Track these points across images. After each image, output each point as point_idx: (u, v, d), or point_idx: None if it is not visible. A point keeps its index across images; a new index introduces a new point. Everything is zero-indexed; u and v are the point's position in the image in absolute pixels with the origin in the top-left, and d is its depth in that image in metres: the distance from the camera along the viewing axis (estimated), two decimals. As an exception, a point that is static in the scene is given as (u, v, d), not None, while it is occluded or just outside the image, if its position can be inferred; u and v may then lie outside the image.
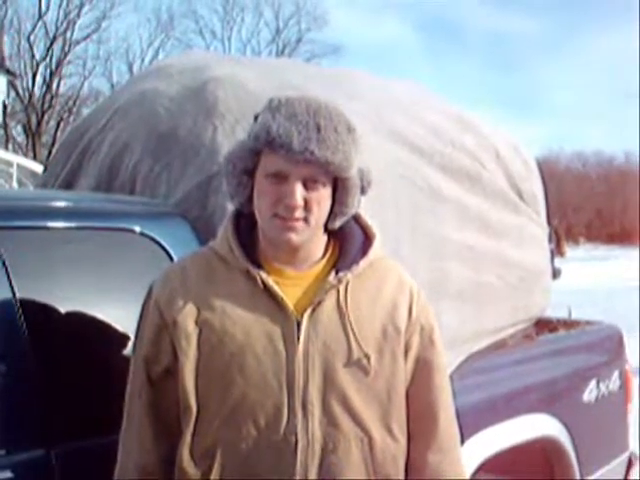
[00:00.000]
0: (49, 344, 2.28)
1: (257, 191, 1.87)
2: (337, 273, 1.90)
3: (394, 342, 1.92)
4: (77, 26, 37.43)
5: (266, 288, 1.86)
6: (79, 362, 2.32)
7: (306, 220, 1.83)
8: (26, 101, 35.12)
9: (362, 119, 3.41)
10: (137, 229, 2.55)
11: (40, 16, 36.46)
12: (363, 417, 1.87)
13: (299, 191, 1.79)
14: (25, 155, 31.39)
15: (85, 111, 35.83)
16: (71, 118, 36.54)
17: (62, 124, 36.27)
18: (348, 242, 1.98)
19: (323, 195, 1.84)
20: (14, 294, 2.21)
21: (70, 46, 36.95)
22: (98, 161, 3.35)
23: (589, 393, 3.87)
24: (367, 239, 2.02)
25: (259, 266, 1.89)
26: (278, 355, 1.82)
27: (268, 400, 1.81)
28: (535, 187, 4.22)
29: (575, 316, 4.57)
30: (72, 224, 2.46)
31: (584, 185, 52.53)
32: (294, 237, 1.83)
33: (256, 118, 1.91)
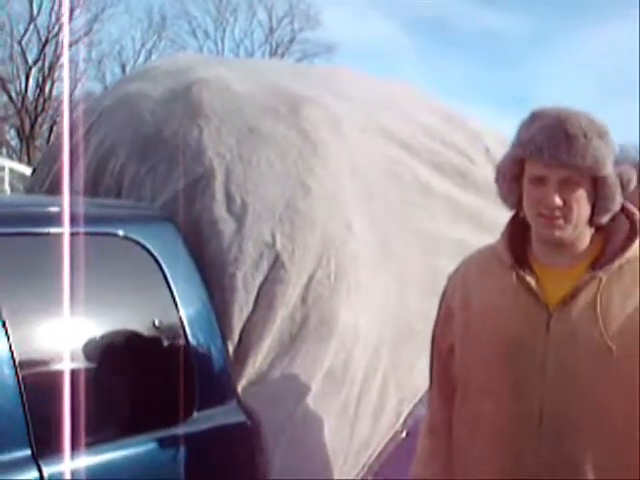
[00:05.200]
0: (32, 348, 2.28)
1: (524, 194, 2.07)
2: (593, 270, 2.02)
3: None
4: (69, 29, 37.25)
5: (527, 283, 2.05)
6: (62, 367, 2.31)
7: (565, 217, 1.98)
8: (19, 105, 34.99)
9: (349, 117, 3.41)
10: (120, 233, 2.52)
11: (32, 19, 36.34)
12: (607, 403, 1.97)
13: (556, 192, 1.97)
14: (19, 159, 31.24)
15: (79, 114, 35.60)
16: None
17: (55, 127, 36.14)
18: (611, 238, 2.07)
19: (580, 194, 1.99)
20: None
21: (62, 49, 36.79)
22: (84, 164, 3.32)
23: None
24: (630, 236, 2.07)
25: (525, 263, 2.09)
26: (532, 342, 2.02)
27: (523, 382, 2.02)
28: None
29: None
30: (56, 230, 2.44)
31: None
32: (557, 233, 2.00)
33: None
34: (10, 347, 2.19)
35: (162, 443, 2.45)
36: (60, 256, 2.38)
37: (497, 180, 2.17)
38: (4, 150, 33.91)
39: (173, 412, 2.49)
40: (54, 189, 3.49)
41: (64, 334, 2.38)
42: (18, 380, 2.18)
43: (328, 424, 2.79)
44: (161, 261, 2.59)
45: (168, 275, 2.60)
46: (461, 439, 2.18)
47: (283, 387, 2.78)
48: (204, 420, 2.58)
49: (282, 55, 38.33)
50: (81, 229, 2.47)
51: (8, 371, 2.18)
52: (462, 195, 3.68)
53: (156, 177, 3.02)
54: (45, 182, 3.57)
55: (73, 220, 2.51)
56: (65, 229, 2.41)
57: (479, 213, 3.68)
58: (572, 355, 1.98)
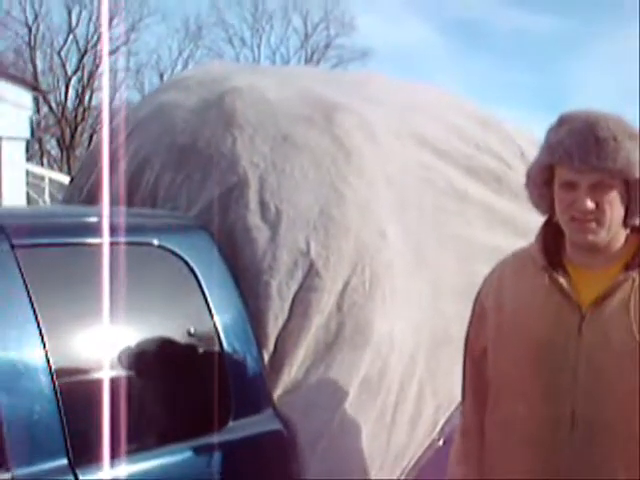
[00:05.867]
0: (69, 357, 2.30)
1: (556, 199, 2.06)
2: (627, 271, 2.01)
3: None
4: (107, 39, 37.59)
5: (559, 284, 2.05)
6: (98, 376, 2.33)
7: (598, 221, 1.97)
8: (59, 115, 35.47)
9: (383, 123, 3.40)
10: (155, 242, 2.54)
11: (71, 30, 36.80)
12: (636, 406, 1.94)
13: (587, 196, 1.95)
14: (60, 168, 31.64)
15: (117, 123, 35.82)
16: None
17: (95, 137, 36.52)
18: None
19: (613, 197, 1.97)
20: (35, 312, 2.22)
21: (101, 59, 37.16)
22: (120, 175, 3.35)
23: None
24: None
25: (559, 265, 2.08)
26: (564, 344, 2.01)
27: (555, 385, 2.01)
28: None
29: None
30: (92, 240, 2.46)
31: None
32: (590, 237, 1.99)
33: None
34: (47, 356, 2.21)
35: (197, 452, 2.46)
36: (95, 265, 2.41)
37: (527, 186, 2.16)
38: (45, 160, 34.38)
39: (209, 421, 2.49)
40: (92, 198, 3.53)
41: (100, 343, 2.41)
42: (54, 389, 2.20)
43: (365, 432, 2.78)
44: (196, 270, 2.60)
45: (203, 284, 2.61)
46: (493, 442, 2.17)
47: (319, 395, 2.77)
48: (240, 429, 2.58)
49: (318, 61, 38.43)
50: (117, 239, 2.49)
51: (45, 380, 2.20)
52: (497, 200, 3.65)
53: (191, 187, 3.03)
54: (83, 191, 3.60)
55: (109, 230, 2.54)
56: (105, 239, 2.43)
57: (514, 218, 3.65)
58: (604, 357, 1.97)
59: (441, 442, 3.01)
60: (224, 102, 3.17)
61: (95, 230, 2.51)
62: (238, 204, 2.90)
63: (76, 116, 35.92)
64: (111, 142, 3.59)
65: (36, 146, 34.54)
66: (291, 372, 2.77)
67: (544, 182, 2.09)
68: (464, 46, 55.24)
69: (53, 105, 35.23)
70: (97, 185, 3.53)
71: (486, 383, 2.21)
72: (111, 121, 3.90)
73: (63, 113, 35.79)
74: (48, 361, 2.21)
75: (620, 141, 1.94)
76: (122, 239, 2.48)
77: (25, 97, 12.42)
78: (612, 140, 1.94)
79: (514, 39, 51.02)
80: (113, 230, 2.52)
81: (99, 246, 2.47)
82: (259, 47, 40.30)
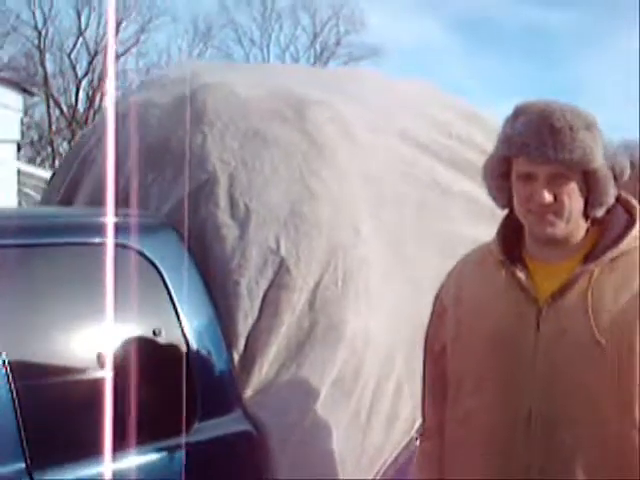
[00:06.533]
0: (28, 359, 2.28)
1: (514, 192, 2.02)
2: (585, 264, 1.97)
3: (633, 335, 1.91)
4: (117, 41, 37.66)
5: (517, 278, 2.01)
6: (61, 379, 2.29)
7: (556, 213, 1.93)
8: (70, 117, 35.59)
9: (360, 118, 3.36)
10: (121, 242, 2.50)
11: (80, 32, 36.88)
12: (597, 400, 1.90)
13: (545, 188, 1.91)
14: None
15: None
16: (115, 132, 36.46)
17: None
18: (606, 232, 2.02)
19: (571, 189, 1.93)
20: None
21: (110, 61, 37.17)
22: (95, 173, 3.32)
23: None
24: (626, 228, 2.02)
25: (517, 259, 2.04)
26: (521, 338, 1.97)
27: (512, 380, 1.98)
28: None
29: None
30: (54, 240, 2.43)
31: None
32: (548, 229, 1.95)
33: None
34: (3, 358, 2.18)
35: (162, 454, 2.43)
36: (55, 266, 2.38)
37: (485, 179, 2.10)
38: (57, 162, 34.52)
39: (174, 423, 2.45)
40: (68, 199, 3.50)
41: (62, 345, 2.38)
42: (11, 392, 2.17)
43: (337, 432, 2.74)
44: (162, 270, 2.57)
45: (169, 284, 2.57)
46: (452, 440, 2.13)
47: (290, 395, 2.73)
48: (208, 430, 2.55)
49: (327, 59, 38.36)
50: (81, 239, 2.46)
51: (1, 382, 2.17)
52: (481, 193, 3.59)
53: (162, 185, 3.00)
54: (60, 190, 3.58)
55: (74, 230, 2.51)
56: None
57: (499, 211, 3.59)
58: (561, 352, 1.93)
59: (419, 441, 2.96)
60: (195, 99, 3.13)
61: (58, 231, 2.49)
62: (208, 202, 2.87)
63: (87, 118, 36.00)
64: (88, 141, 3.57)
65: (49, 149, 34.73)
66: (262, 372, 2.73)
67: (501, 174, 2.04)
68: (476, 43, 54.95)
69: (64, 108, 35.36)
70: (75, 184, 3.51)
71: (446, 382, 2.16)
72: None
73: (74, 115, 35.93)
74: (4, 363, 2.18)
75: (576, 131, 1.89)
76: (87, 239, 2.45)
77: (14, 99, 12.40)
78: (568, 130, 1.89)
79: (527, 35, 50.69)
80: (78, 230, 2.49)
81: (62, 247, 2.45)
82: (268, 47, 40.28)
